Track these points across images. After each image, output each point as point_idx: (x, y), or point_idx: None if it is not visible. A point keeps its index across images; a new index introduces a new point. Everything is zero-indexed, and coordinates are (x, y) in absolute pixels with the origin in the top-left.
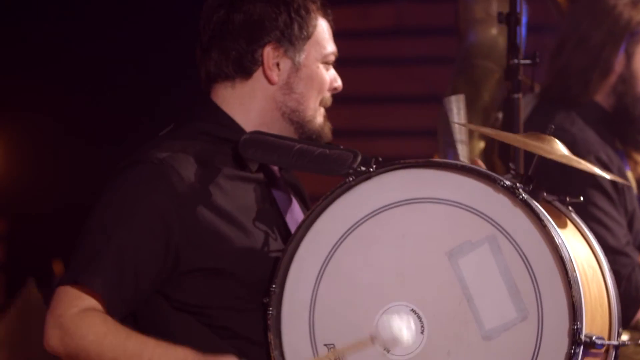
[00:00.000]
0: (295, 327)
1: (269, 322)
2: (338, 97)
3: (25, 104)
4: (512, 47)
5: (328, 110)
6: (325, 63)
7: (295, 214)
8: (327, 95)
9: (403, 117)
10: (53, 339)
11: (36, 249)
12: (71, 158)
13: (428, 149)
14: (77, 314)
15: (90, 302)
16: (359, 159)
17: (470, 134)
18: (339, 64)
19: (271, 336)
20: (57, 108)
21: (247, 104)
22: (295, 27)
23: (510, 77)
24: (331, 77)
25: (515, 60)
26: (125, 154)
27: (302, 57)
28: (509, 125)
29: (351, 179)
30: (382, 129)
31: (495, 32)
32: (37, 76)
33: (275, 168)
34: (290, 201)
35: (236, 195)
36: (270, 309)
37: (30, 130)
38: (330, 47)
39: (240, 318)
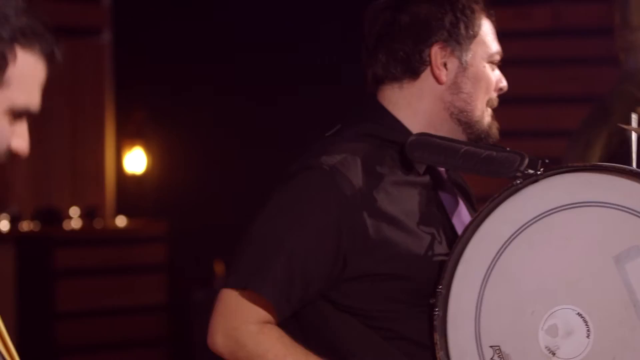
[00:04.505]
0: (461, 328)
1: (435, 322)
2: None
3: (191, 107)
4: None
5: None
6: (491, 63)
7: (462, 216)
8: (494, 95)
9: (561, 118)
10: (223, 347)
11: (197, 250)
12: (233, 160)
13: None
14: (255, 330)
15: (262, 313)
16: (526, 161)
17: None
18: (500, 65)
19: (437, 336)
20: (222, 112)
21: (415, 105)
22: (462, 26)
23: None
24: (497, 77)
25: None
26: (289, 158)
27: (469, 57)
28: None
29: (518, 181)
30: (540, 129)
31: None
32: (204, 81)
33: (442, 170)
34: (457, 203)
35: (403, 199)
36: (437, 309)
37: (194, 133)
38: (495, 46)
39: (405, 320)
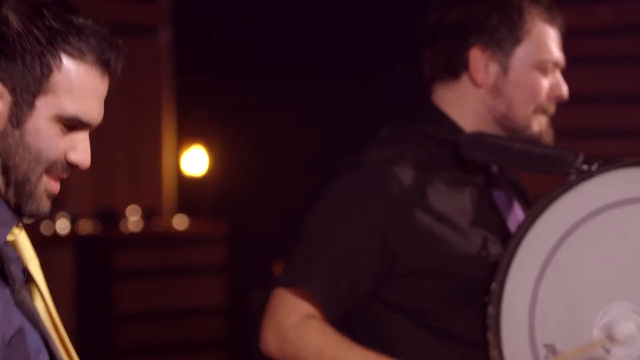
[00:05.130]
0: (515, 326)
1: (488, 321)
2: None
3: (248, 108)
4: None
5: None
6: (542, 69)
7: (516, 214)
8: (546, 102)
9: (625, 117)
10: (271, 345)
11: (258, 251)
12: (291, 160)
13: None
14: (297, 323)
15: (307, 308)
16: (581, 158)
17: None
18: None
19: (490, 335)
20: (284, 110)
21: (462, 106)
22: (504, 29)
23: None
24: (553, 84)
25: None
26: (345, 156)
27: (511, 61)
28: None
29: (572, 177)
30: (604, 128)
31: None
32: (265, 79)
33: (495, 168)
34: (511, 201)
35: (455, 197)
36: (490, 308)
37: (252, 134)
38: (547, 54)
39: (456, 318)
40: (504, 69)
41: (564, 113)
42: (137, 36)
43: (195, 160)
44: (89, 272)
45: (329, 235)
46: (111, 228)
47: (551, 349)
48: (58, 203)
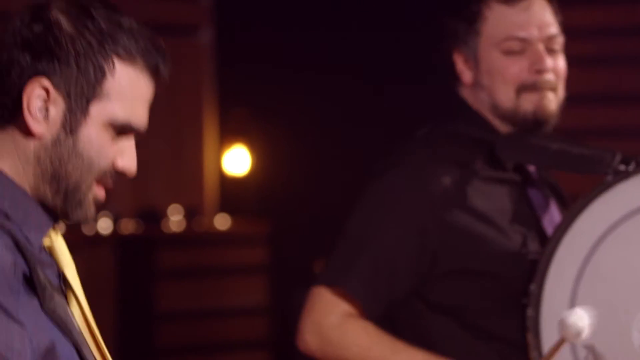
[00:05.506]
0: (555, 327)
1: (527, 323)
2: (603, 97)
3: (290, 107)
4: None
5: (595, 109)
6: (506, 51)
7: (552, 214)
8: (529, 78)
9: None
10: (311, 344)
11: (300, 251)
12: (332, 159)
13: None
14: (338, 322)
15: (346, 307)
16: (618, 158)
17: None
18: (606, 63)
19: (530, 337)
20: (326, 109)
21: (475, 105)
22: (462, 28)
23: None
24: (531, 60)
25: None
26: (384, 155)
27: (478, 53)
28: None
29: (610, 178)
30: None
31: None
32: (307, 78)
33: (532, 168)
34: (547, 201)
35: (492, 196)
36: (529, 309)
37: (295, 133)
38: (507, 32)
39: (496, 319)
40: (476, 62)
41: (606, 113)
42: (179, 36)
43: (237, 160)
44: (131, 271)
45: (370, 235)
46: (153, 228)
47: (591, 349)
48: (100, 203)
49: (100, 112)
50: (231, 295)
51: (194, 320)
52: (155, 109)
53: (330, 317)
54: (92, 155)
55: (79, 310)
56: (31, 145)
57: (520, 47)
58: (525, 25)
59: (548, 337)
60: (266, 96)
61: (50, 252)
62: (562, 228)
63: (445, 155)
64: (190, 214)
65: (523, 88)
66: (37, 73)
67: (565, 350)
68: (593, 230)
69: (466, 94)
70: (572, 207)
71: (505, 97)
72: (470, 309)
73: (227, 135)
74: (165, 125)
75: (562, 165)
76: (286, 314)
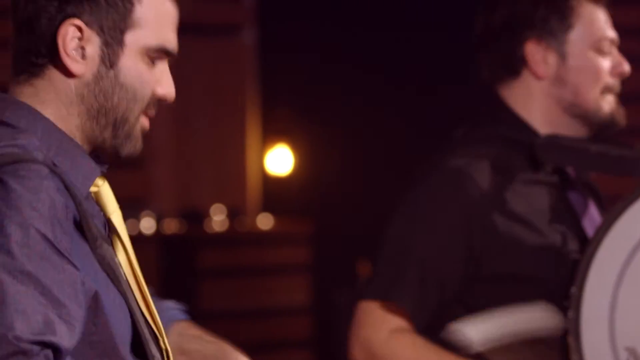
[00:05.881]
0: (595, 330)
1: (568, 325)
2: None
3: (333, 107)
4: None
5: (633, 107)
6: (598, 50)
7: (592, 216)
8: (610, 81)
9: None
10: (359, 359)
11: (343, 250)
12: (376, 159)
13: None
14: (386, 337)
15: (396, 321)
16: None
17: None
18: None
19: (571, 339)
20: (369, 109)
21: (529, 104)
22: (554, 19)
23: None
24: (614, 62)
25: None
26: (426, 155)
27: (567, 48)
28: None
29: None
30: None
31: None
32: (350, 78)
33: (571, 169)
34: (587, 203)
35: (531, 199)
36: (570, 312)
37: (337, 133)
38: (601, 33)
39: None
40: (562, 57)
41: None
42: (222, 36)
43: (279, 159)
44: (174, 271)
45: (415, 244)
46: (196, 227)
47: (632, 352)
48: (143, 202)
49: (134, 41)
50: (273, 295)
51: (236, 320)
52: (198, 109)
53: (379, 333)
54: (135, 84)
55: (125, 257)
56: (72, 85)
57: (608, 49)
58: (610, 26)
59: (589, 340)
60: (309, 96)
61: (97, 199)
62: (603, 229)
63: (485, 158)
64: (233, 214)
65: (606, 89)
66: (68, 16)
67: (606, 352)
68: (633, 232)
69: (517, 91)
70: (613, 208)
71: (592, 95)
72: None
73: (270, 135)
74: (208, 125)
75: (601, 167)
76: (328, 314)
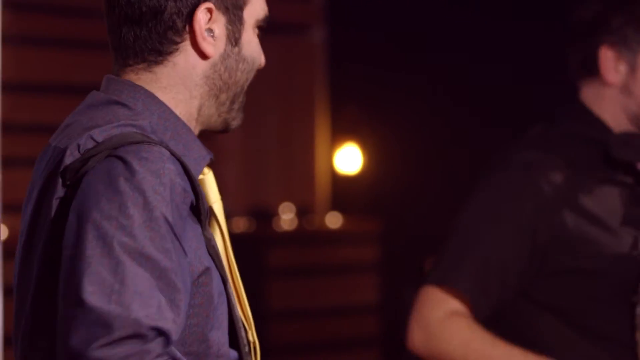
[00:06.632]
0: None
1: (636, 321)
2: None
3: (402, 106)
4: None
5: None
6: None
7: None
8: None
9: None
10: (417, 340)
11: (410, 248)
12: (444, 158)
13: None
14: (443, 317)
15: (455, 304)
16: None
17: None
18: None
19: (639, 335)
20: (439, 107)
21: (603, 105)
22: (630, 29)
23: None
24: None
25: None
26: (495, 153)
27: (638, 60)
28: None
29: None
30: None
31: None
32: (420, 77)
33: None
34: None
35: (605, 197)
36: (638, 307)
37: (406, 131)
38: None
39: (604, 318)
40: (632, 68)
41: None
42: (291, 35)
43: (348, 158)
44: (243, 269)
45: (480, 234)
46: (265, 226)
47: None
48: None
49: (249, 15)
50: (342, 293)
51: (304, 319)
52: (268, 107)
53: (436, 312)
54: (254, 55)
55: (223, 246)
56: (200, 68)
57: None
58: None
59: None
60: (378, 95)
61: (202, 186)
62: None
63: (558, 155)
64: (302, 213)
65: None
66: (200, 1)
67: None
68: None
69: (593, 92)
70: None
71: None
72: (577, 309)
73: (339, 134)
74: (277, 124)
75: None
76: (397, 312)
